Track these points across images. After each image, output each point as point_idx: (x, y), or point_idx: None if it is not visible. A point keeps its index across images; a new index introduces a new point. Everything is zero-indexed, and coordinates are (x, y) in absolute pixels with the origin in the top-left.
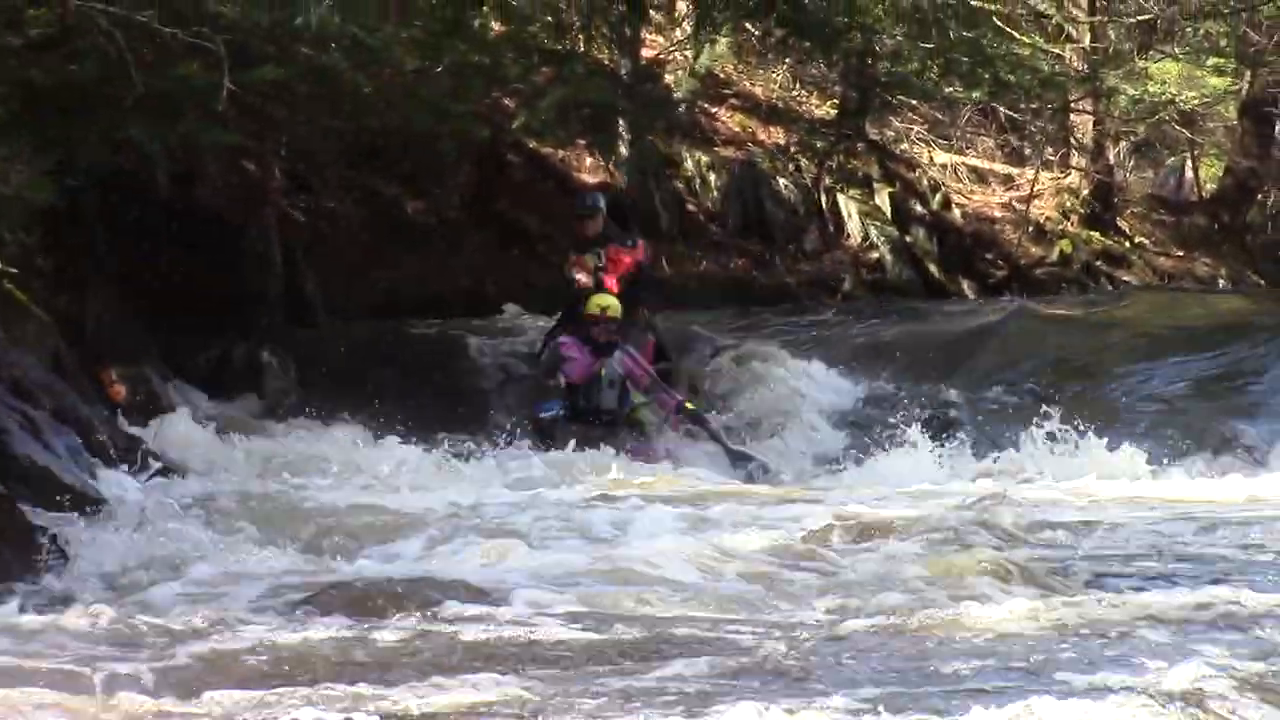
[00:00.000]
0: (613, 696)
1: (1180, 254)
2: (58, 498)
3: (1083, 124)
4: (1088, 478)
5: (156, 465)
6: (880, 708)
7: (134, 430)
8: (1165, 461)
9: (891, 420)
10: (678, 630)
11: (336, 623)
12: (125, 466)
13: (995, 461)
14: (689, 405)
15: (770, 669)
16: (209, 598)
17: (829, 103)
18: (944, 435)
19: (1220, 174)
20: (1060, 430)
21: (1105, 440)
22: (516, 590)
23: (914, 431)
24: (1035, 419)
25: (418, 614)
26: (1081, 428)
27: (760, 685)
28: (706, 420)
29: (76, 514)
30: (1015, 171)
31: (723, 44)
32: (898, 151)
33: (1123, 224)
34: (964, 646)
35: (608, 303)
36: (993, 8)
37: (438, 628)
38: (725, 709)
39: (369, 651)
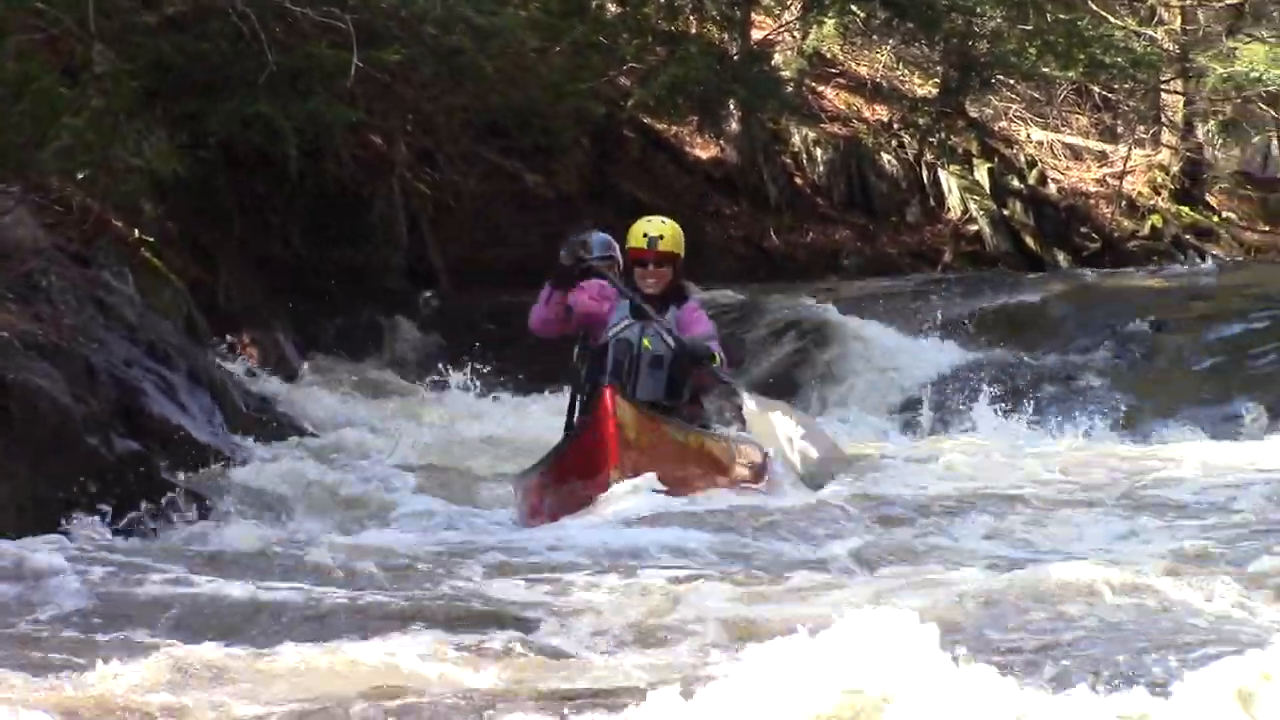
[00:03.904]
0: None
1: (1266, 229)
2: (192, 456)
3: (1173, 103)
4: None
5: (286, 425)
6: None
7: (265, 391)
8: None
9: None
10: None
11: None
12: (257, 426)
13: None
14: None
15: None
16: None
17: (930, 82)
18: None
19: None
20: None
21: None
22: None
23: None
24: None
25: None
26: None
27: None
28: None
29: (210, 472)
30: (1108, 148)
31: (830, 25)
32: (996, 129)
33: (1211, 199)
34: None
35: (662, 230)
36: None
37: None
38: None
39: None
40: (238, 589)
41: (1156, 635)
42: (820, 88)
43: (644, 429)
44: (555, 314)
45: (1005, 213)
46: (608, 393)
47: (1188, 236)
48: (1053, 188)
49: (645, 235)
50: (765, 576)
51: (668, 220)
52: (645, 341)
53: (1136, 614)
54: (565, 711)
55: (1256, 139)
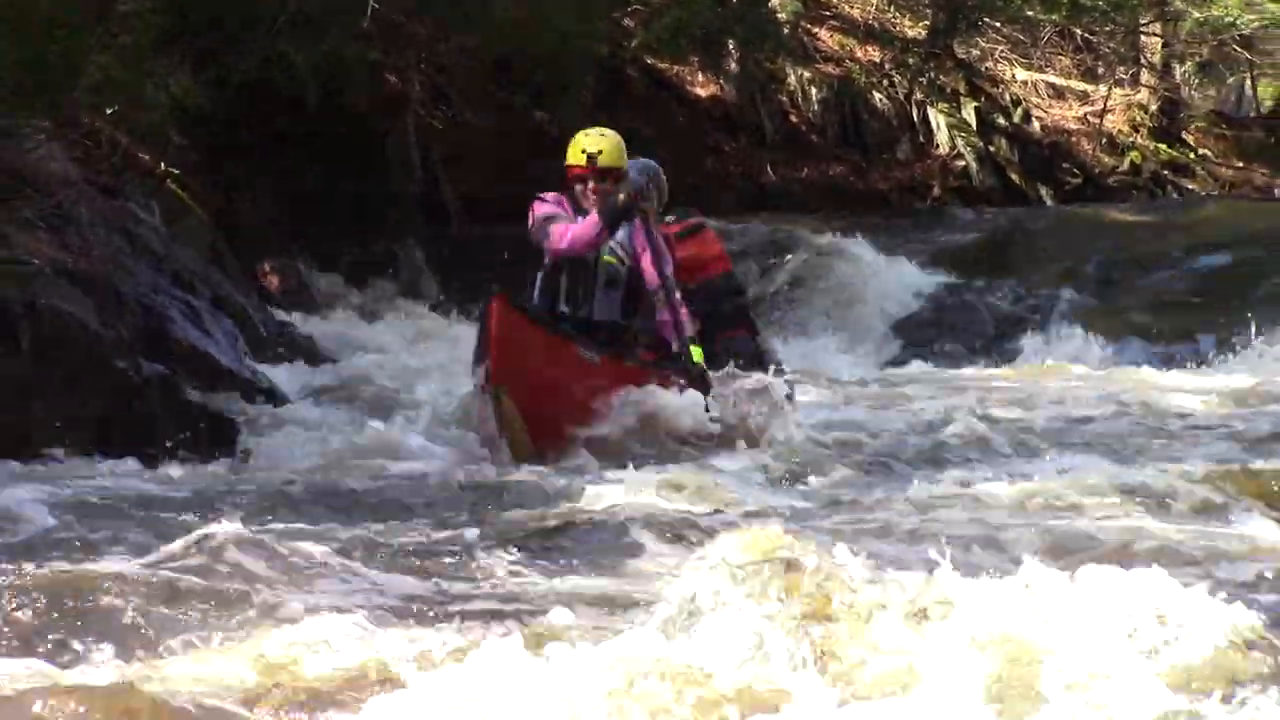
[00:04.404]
0: None
1: (1240, 165)
2: (216, 380)
3: (1152, 45)
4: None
5: (305, 350)
6: None
7: (285, 317)
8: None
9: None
10: None
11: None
12: (277, 351)
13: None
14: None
15: None
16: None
17: (920, 24)
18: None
19: (1277, 92)
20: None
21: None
22: None
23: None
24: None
25: None
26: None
27: None
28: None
29: (234, 396)
30: (1090, 88)
31: None
32: (983, 69)
33: (1188, 137)
34: None
35: (600, 145)
36: None
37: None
38: None
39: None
40: (254, 524)
41: None
42: (815, 29)
43: (532, 343)
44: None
45: (991, 149)
46: (494, 303)
47: (1165, 172)
48: (1036, 125)
49: (584, 151)
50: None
51: (607, 132)
52: (605, 256)
53: None
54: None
55: (1231, 80)
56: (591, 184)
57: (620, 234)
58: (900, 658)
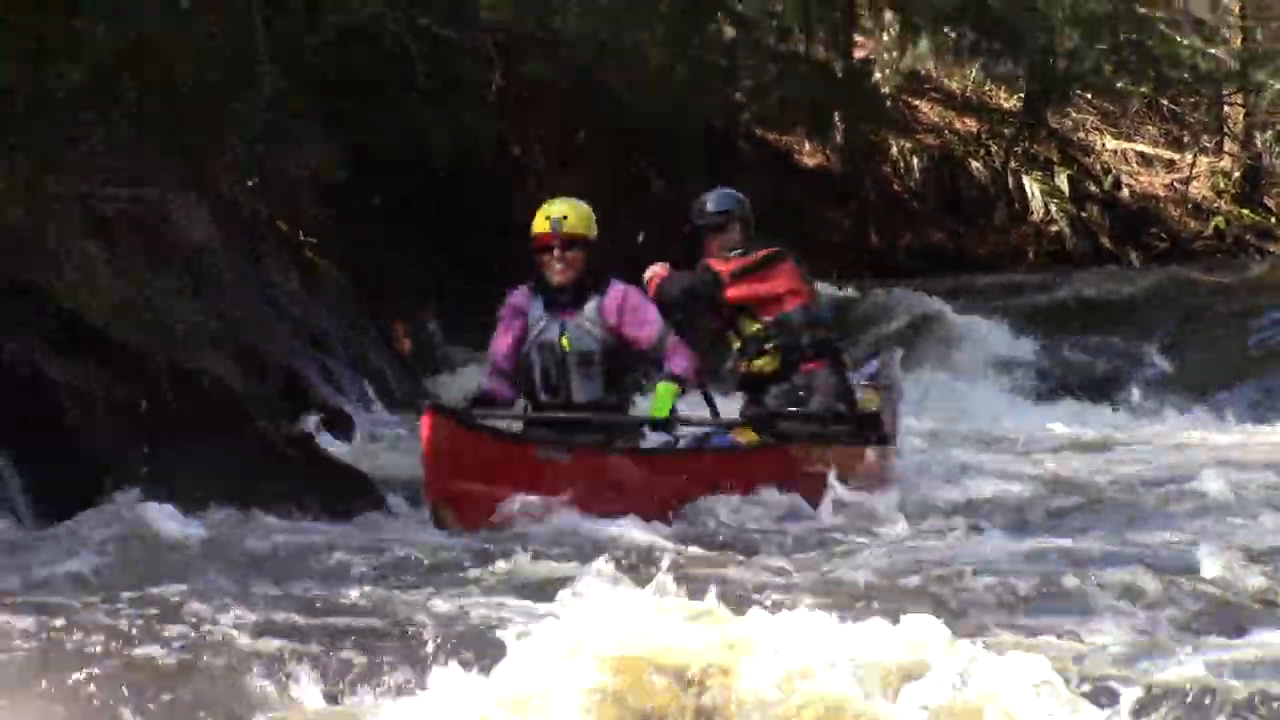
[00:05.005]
0: None
1: None
2: (352, 436)
3: (1234, 114)
4: None
5: None
6: None
7: (416, 376)
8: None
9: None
10: None
11: None
12: (409, 409)
13: None
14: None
15: None
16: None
17: (1015, 96)
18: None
19: None
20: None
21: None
22: None
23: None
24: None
25: None
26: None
27: None
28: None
29: (370, 450)
30: (1176, 156)
31: (924, 45)
32: (1075, 138)
33: (1269, 202)
34: None
35: (565, 211)
36: (1157, 13)
37: None
38: None
39: None
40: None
41: None
42: (915, 102)
43: (476, 453)
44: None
45: (1083, 215)
46: (425, 419)
47: (1248, 236)
48: (1126, 192)
49: (548, 218)
50: None
51: (573, 199)
52: (564, 340)
53: None
54: None
55: None
56: (556, 252)
57: (589, 308)
58: None
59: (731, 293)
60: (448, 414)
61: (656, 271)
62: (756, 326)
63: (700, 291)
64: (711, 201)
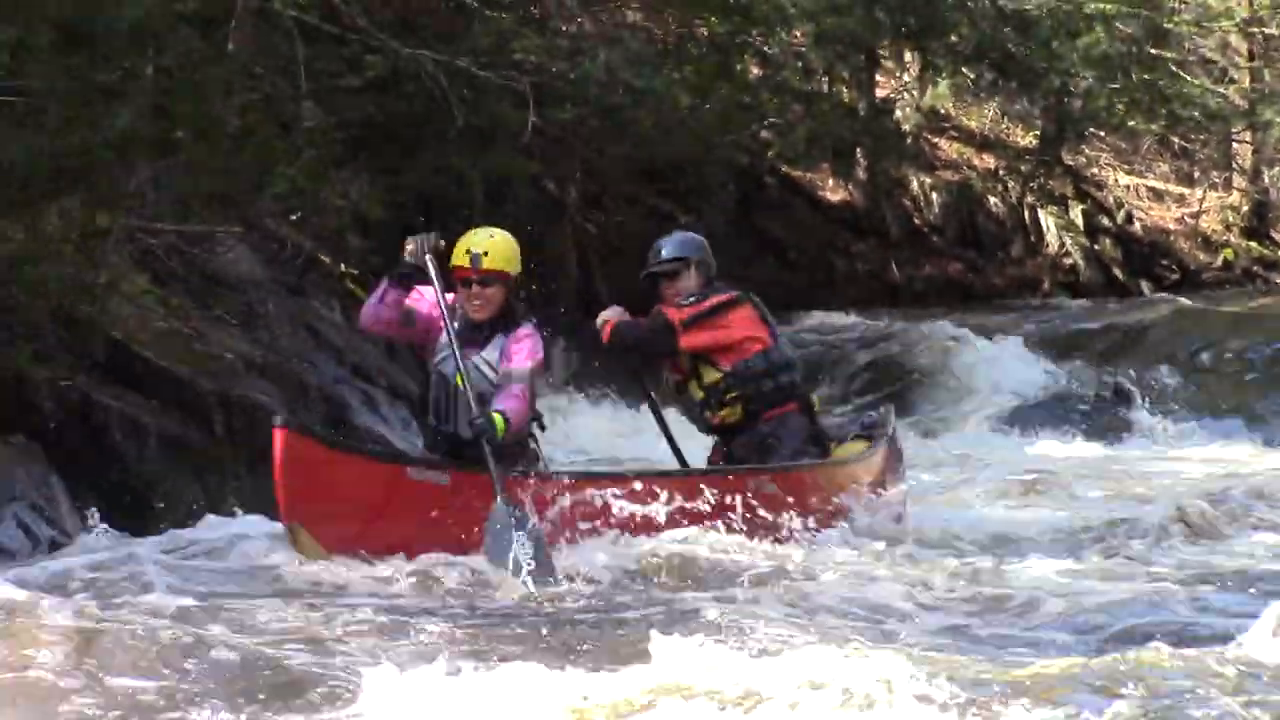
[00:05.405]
0: None
1: None
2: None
3: (1243, 151)
4: None
5: None
6: None
7: None
8: None
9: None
10: None
11: None
12: None
13: None
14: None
15: None
16: None
17: (1031, 134)
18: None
19: None
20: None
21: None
22: None
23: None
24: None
25: None
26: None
27: None
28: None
29: None
30: (1186, 191)
31: (943, 85)
32: (1089, 174)
33: (1276, 235)
34: None
35: (486, 245)
36: (1169, 55)
37: None
38: None
39: None
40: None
41: None
42: (935, 139)
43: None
44: (389, 315)
45: (1097, 248)
46: (276, 436)
47: (1256, 268)
48: (1138, 226)
49: (467, 251)
50: None
51: (498, 233)
52: (458, 379)
53: None
54: None
55: None
56: (474, 288)
57: (489, 348)
58: None
59: (686, 341)
60: (303, 431)
61: (608, 317)
62: (716, 376)
63: (651, 339)
64: (667, 248)
